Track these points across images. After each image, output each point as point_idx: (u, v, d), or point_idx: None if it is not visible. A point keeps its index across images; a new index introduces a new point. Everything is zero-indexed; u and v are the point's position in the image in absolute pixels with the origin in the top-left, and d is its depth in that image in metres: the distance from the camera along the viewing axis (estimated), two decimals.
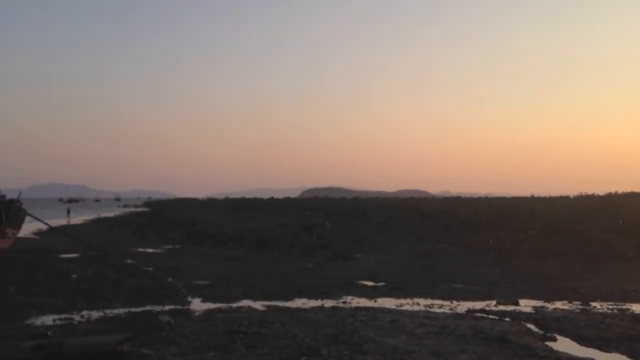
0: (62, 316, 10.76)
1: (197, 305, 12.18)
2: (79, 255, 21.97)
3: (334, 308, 11.76)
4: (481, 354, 8.06)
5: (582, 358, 8.06)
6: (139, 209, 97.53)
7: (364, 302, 12.56)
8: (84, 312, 11.11)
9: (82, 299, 12.49)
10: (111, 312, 11.19)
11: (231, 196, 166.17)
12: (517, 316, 10.94)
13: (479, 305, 12.24)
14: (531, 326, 10.12)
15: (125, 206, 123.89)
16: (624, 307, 11.92)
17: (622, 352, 8.43)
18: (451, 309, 11.82)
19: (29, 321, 10.40)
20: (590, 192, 54.86)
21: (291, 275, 16.77)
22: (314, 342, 8.54)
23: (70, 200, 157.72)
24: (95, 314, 10.96)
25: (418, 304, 12.37)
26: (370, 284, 15.32)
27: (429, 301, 12.70)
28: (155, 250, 24.85)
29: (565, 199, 55.47)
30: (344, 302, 12.53)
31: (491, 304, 12.32)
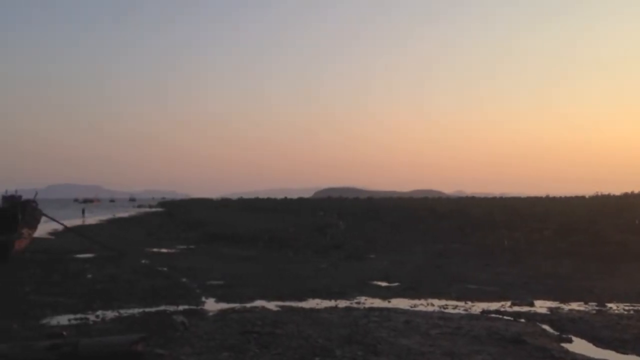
0: (77, 316, 10.83)
1: (211, 305, 12.20)
2: (94, 256, 22.13)
3: (347, 308, 11.73)
4: (496, 355, 8.00)
5: None
6: (153, 209, 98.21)
7: (377, 303, 12.51)
8: (99, 312, 11.18)
9: (97, 299, 12.56)
10: (126, 312, 11.25)
11: (245, 196, 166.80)
12: (532, 317, 10.85)
13: (493, 306, 12.15)
14: (546, 327, 10.02)
15: (139, 206, 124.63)
16: None
17: (638, 354, 8.33)
18: (466, 310, 11.74)
19: (45, 321, 10.49)
20: (605, 192, 54.43)
21: (305, 275, 16.76)
22: (328, 342, 8.52)
23: (85, 201, 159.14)
24: (110, 314, 11.02)
25: (432, 305, 12.30)
26: (384, 284, 15.26)
27: (443, 302, 12.63)
28: (170, 251, 24.96)
29: (580, 199, 55.03)
30: (358, 303, 12.50)
31: (506, 305, 12.22)
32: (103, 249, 23.50)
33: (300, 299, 12.87)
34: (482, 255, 21.62)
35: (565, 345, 8.80)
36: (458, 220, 34.99)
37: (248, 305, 12.09)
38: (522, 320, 10.62)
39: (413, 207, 55.91)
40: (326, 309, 11.63)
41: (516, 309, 11.77)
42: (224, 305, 12.07)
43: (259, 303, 12.35)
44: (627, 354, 8.38)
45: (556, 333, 9.58)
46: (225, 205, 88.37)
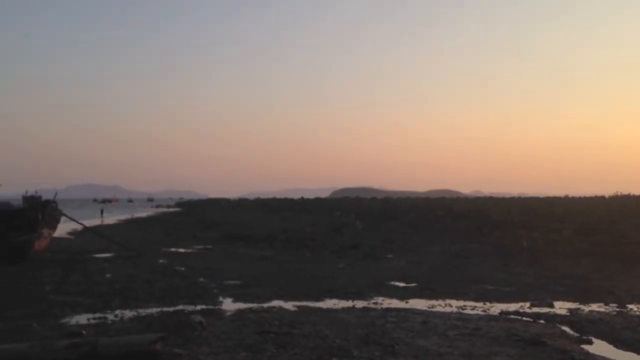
0: (96, 315, 10.93)
1: (229, 305, 12.24)
2: (112, 255, 22.33)
3: (365, 309, 11.70)
4: (515, 356, 7.92)
5: None
6: (171, 209, 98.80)
7: (395, 303, 12.47)
8: (118, 312, 11.27)
9: (116, 299, 12.67)
10: (144, 311, 11.32)
11: (262, 196, 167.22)
12: (552, 318, 10.73)
13: (512, 306, 12.05)
14: (566, 328, 9.91)
15: (157, 206, 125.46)
16: None
17: None
18: (484, 311, 11.65)
19: (64, 320, 10.59)
20: (625, 192, 53.79)
21: (322, 275, 16.75)
22: (345, 342, 8.50)
23: (104, 201, 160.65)
24: (129, 314, 11.10)
25: (450, 305, 12.22)
26: (401, 284, 15.20)
27: (461, 302, 12.54)
28: (187, 250, 25.09)
29: (600, 199, 54.43)
30: (375, 303, 12.45)
31: (525, 306, 12.10)
32: (122, 248, 23.69)
33: (318, 299, 12.86)
34: (500, 255, 21.46)
35: (586, 346, 8.70)
36: (476, 220, 34.79)
37: (265, 305, 12.10)
38: (542, 321, 10.52)
39: (430, 207, 55.67)
40: (343, 309, 11.61)
41: (535, 309, 11.66)
42: (241, 305, 12.10)
43: (276, 303, 12.37)
44: None
45: (576, 334, 9.47)
46: (242, 206, 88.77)
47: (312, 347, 8.25)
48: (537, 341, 8.69)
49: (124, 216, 66.32)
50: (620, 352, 8.51)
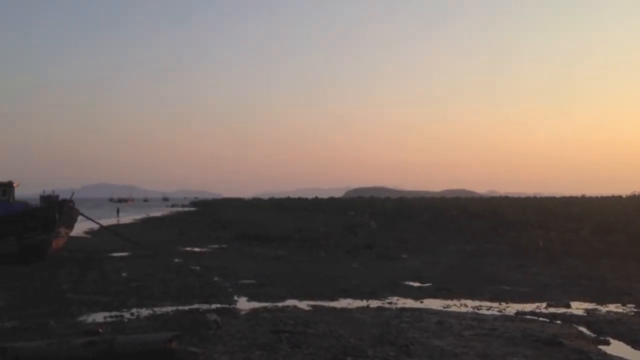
0: (113, 314, 11.02)
1: (243, 304, 12.28)
2: (128, 254, 22.49)
3: (379, 308, 11.68)
4: (531, 357, 7.86)
5: None
6: (186, 209, 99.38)
7: (409, 303, 12.43)
8: (134, 310, 11.35)
9: (132, 297, 12.76)
10: (160, 310, 11.39)
11: (276, 196, 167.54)
12: (569, 319, 10.64)
13: (528, 307, 11.96)
14: (583, 329, 9.82)
15: (172, 206, 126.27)
16: None
17: None
18: (500, 311, 11.58)
19: (81, 318, 10.69)
20: None
21: (336, 275, 16.74)
22: (360, 342, 8.49)
23: (120, 200, 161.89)
24: (145, 312, 11.18)
25: (465, 306, 12.16)
26: (416, 284, 15.15)
27: (476, 302, 12.47)
28: (202, 250, 25.21)
29: (617, 199, 53.87)
30: (390, 303, 12.42)
31: (541, 306, 12.01)
32: (137, 248, 23.85)
33: (332, 299, 12.86)
34: (516, 255, 21.30)
35: (603, 347, 8.61)
36: (491, 220, 34.57)
37: (280, 304, 12.12)
38: (558, 321, 10.43)
39: (445, 207, 55.44)
40: (358, 309, 11.59)
41: (552, 310, 11.56)
42: (255, 304, 12.13)
43: (290, 302, 12.38)
44: None
45: (593, 335, 9.38)
46: (256, 205, 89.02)
47: (326, 346, 8.25)
48: (553, 342, 8.62)
49: (139, 216, 66.78)
50: (638, 352, 8.42)
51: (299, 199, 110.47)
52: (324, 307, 11.90)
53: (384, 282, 15.24)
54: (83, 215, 24.29)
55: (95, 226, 29.04)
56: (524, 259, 20.09)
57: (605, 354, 8.21)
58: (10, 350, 7.04)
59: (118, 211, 73.50)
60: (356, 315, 10.86)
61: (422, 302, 12.57)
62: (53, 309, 11.40)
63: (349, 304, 12.34)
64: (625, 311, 11.42)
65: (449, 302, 12.61)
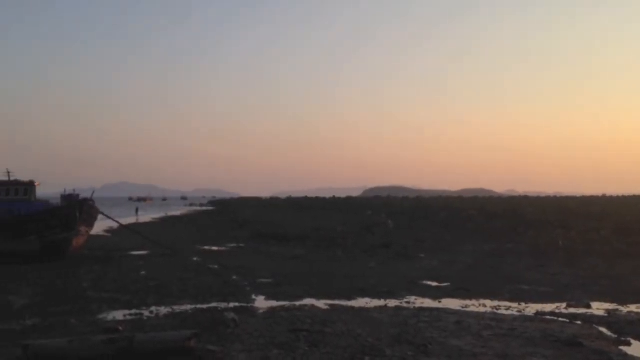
0: (132, 312, 11.13)
1: (261, 303, 12.32)
2: (147, 253, 22.67)
3: (397, 308, 11.65)
4: (551, 357, 7.79)
5: None
6: (204, 208, 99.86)
7: (427, 303, 12.38)
8: (153, 308, 11.45)
9: (151, 296, 12.87)
10: (179, 308, 11.48)
11: (294, 195, 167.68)
12: (589, 319, 10.52)
13: (548, 307, 11.85)
14: (604, 330, 9.70)
15: (191, 205, 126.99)
16: None
17: None
18: (519, 311, 11.49)
19: (101, 316, 10.81)
20: None
21: (353, 274, 16.72)
22: (377, 342, 8.47)
23: (139, 200, 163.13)
24: (164, 310, 11.27)
25: (484, 306, 12.08)
26: (434, 284, 15.09)
27: (495, 302, 12.39)
28: (220, 249, 25.33)
29: (638, 199, 53.11)
30: (408, 302, 12.39)
31: (561, 307, 11.89)
32: (156, 246, 24.03)
33: (349, 298, 12.85)
34: (536, 255, 21.09)
35: (624, 348, 8.51)
36: (510, 219, 34.27)
37: (297, 303, 12.14)
38: (578, 322, 10.32)
39: (463, 206, 55.08)
40: (375, 309, 11.57)
41: (572, 310, 11.44)
42: (273, 303, 12.17)
43: (308, 301, 12.40)
44: None
45: (614, 336, 9.26)
46: (274, 205, 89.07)
47: (344, 345, 8.24)
48: (573, 342, 8.53)
49: (158, 215, 67.24)
50: None
51: (317, 198, 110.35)
52: (341, 306, 11.89)
53: (402, 282, 15.19)
54: (103, 214, 24.53)
55: (115, 225, 29.30)
56: (544, 259, 19.89)
57: (626, 354, 8.11)
58: (31, 348, 7.14)
59: (137, 210, 74.03)
60: (374, 314, 10.84)
61: (440, 302, 12.51)
62: (74, 307, 11.54)
63: (366, 303, 12.33)
64: None
65: (467, 302, 12.54)
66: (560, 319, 10.58)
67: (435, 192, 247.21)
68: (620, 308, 11.73)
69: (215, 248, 25.58)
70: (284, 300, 12.53)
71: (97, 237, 29.37)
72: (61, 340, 7.55)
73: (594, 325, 9.99)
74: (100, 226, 33.38)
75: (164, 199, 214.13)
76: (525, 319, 10.60)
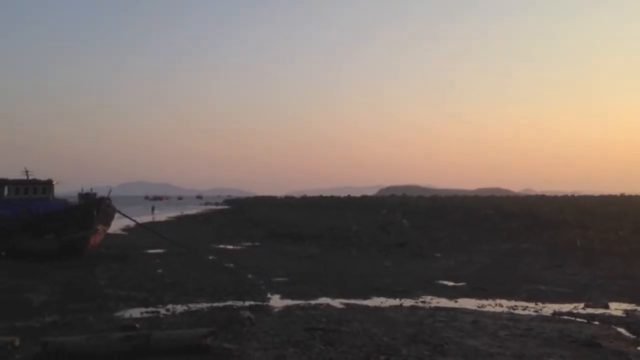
0: (149, 309, 11.21)
1: (276, 301, 12.34)
2: (164, 251, 22.81)
3: (412, 307, 11.61)
4: (568, 358, 7.72)
5: None
6: (219, 207, 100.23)
7: (443, 302, 12.32)
8: (169, 306, 11.53)
9: (167, 293, 12.96)
10: (194, 306, 11.55)
11: (309, 194, 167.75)
12: (607, 319, 10.41)
13: (565, 307, 11.74)
14: (622, 330, 9.60)
15: (206, 204, 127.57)
16: None
17: None
18: (536, 311, 11.40)
19: (118, 313, 10.90)
20: None
21: (368, 273, 16.70)
22: (393, 341, 8.45)
23: (155, 198, 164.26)
24: (180, 308, 11.34)
25: (501, 305, 12.00)
26: (450, 283, 15.02)
27: (512, 302, 12.30)
28: (236, 247, 25.42)
29: None
30: (423, 302, 12.34)
31: (579, 307, 11.78)
32: (172, 245, 24.17)
33: (365, 297, 12.83)
34: (553, 255, 20.91)
35: None
36: (527, 219, 33.99)
37: (312, 302, 12.15)
38: (596, 322, 10.22)
39: (479, 205, 54.72)
40: (391, 308, 11.55)
41: (590, 310, 11.33)
42: (288, 302, 12.19)
43: (323, 300, 12.40)
44: None
45: (633, 336, 9.16)
46: (289, 204, 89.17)
47: (359, 345, 8.24)
48: (591, 343, 8.45)
49: (174, 213, 67.60)
50: None
51: (332, 197, 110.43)
52: (356, 305, 11.88)
53: (417, 281, 15.15)
54: (120, 212, 24.71)
55: (132, 223, 29.51)
56: (561, 259, 19.71)
57: None
58: (51, 345, 7.22)
59: (153, 209, 74.53)
60: (389, 314, 10.82)
61: (456, 302, 12.45)
62: (92, 305, 11.65)
63: (382, 302, 12.30)
64: None
65: (483, 301, 12.46)
66: (578, 319, 10.48)
67: (451, 192, 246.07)
68: (639, 308, 11.59)
69: (230, 247, 25.68)
70: (299, 299, 12.55)
71: (114, 235, 29.61)
72: (79, 337, 7.63)
73: (612, 326, 9.88)
74: (117, 224, 33.62)
75: (180, 198, 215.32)
76: (542, 319, 10.52)
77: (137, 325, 9.27)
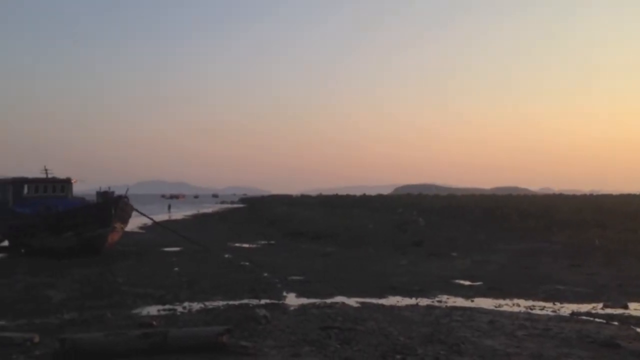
0: (166, 307, 11.29)
1: (292, 300, 12.36)
2: (180, 249, 22.95)
3: (429, 307, 11.56)
4: (587, 359, 7.64)
5: None
6: (235, 206, 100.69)
7: (460, 302, 12.25)
8: (186, 304, 11.59)
9: (184, 291, 13.04)
10: (211, 304, 11.60)
11: (324, 193, 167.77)
12: (626, 320, 10.28)
13: (584, 307, 11.62)
14: None
15: (222, 202, 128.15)
16: None
17: None
18: (554, 311, 11.29)
19: (136, 310, 10.99)
20: None
21: (384, 272, 16.66)
22: (409, 340, 8.42)
23: (171, 197, 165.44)
24: (196, 306, 11.40)
25: (518, 305, 11.90)
26: (466, 283, 14.93)
27: (529, 302, 12.19)
28: (251, 246, 25.51)
29: None
30: (440, 301, 12.29)
31: (597, 307, 11.64)
32: (189, 243, 24.31)
33: (381, 296, 12.80)
34: (572, 255, 20.69)
35: None
36: (545, 218, 33.69)
37: (328, 301, 12.14)
38: (615, 323, 10.09)
39: (496, 204, 54.30)
40: (407, 307, 11.51)
41: (609, 311, 11.19)
42: (304, 300, 12.19)
43: (338, 299, 12.39)
44: None
45: None
46: (304, 202, 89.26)
47: (375, 343, 8.22)
48: (610, 343, 8.36)
49: (190, 212, 68.04)
50: None
51: (347, 196, 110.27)
52: (372, 304, 11.85)
53: (434, 280, 15.08)
54: (137, 210, 24.92)
55: (149, 222, 29.75)
56: (580, 259, 19.51)
57: None
58: (69, 341, 7.29)
59: (169, 207, 75.05)
60: (405, 313, 10.78)
61: (472, 301, 12.37)
62: (109, 302, 11.77)
63: (397, 301, 12.27)
64: None
65: (500, 301, 12.37)
66: (597, 320, 10.36)
67: (468, 190, 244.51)
68: None
69: (246, 245, 25.78)
70: (315, 297, 12.55)
71: (132, 233, 29.88)
72: (97, 334, 7.70)
73: (632, 326, 9.75)
74: (135, 223, 33.93)
75: (196, 197, 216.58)
76: (560, 319, 10.41)
77: (154, 323, 9.34)
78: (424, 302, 12.17)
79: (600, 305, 11.80)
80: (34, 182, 25.26)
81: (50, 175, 26.02)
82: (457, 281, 15.19)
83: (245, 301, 11.94)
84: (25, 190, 24.98)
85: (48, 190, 25.43)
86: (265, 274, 16.12)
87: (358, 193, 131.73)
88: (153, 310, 11.03)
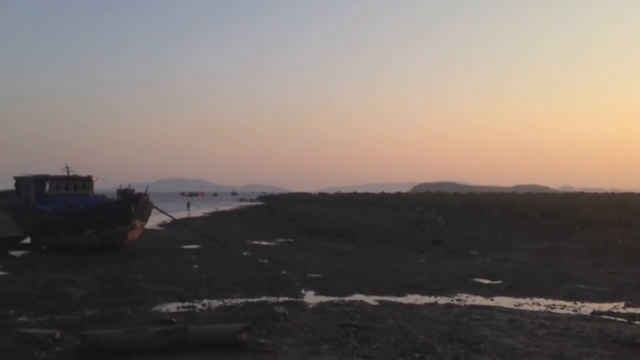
0: (185, 304, 11.37)
1: (311, 297, 12.37)
2: (199, 247, 23.09)
3: (448, 305, 11.50)
4: (608, 358, 7.54)
5: None
6: (253, 203, 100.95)
7: (479, 301, 12.17)
8: (205, 301, 11.67)
9: (203, 288, 13.12)
10: (230, 301, 11.66)
11: (342, 191, 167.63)
12: None
13: (605, 306, 11.47)
14: None
15: (241, 200, 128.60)
16: None
17: None
18: (574, 310, 11.17)
19: (155, 308, 11.08)
20: None
21: (403, 270, 16.61)
22: (428, 339, 8.38)
23: (190, 194, 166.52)
24: (215, 303, 11.47)
25: (538, 304, 11.79)
26: (486, 281, 14.83)
27: (550, 301, 12.07)
28: (270, 243, 25.57)
29: None
30: (459, 300, 12.22)
31: (619, 306, 11.49)
32: (208, 240, 24.45)
33: (399, 295, 12.76)
34: (593, 253, 20.43)
35: None
36: (566, 216, 33.31)
37: (346, 299, 12.14)
38: (637, 322, 9.95)
39: (516, 203, 53.82)
40: (426, 305, 11.46)
41: (630, 310, 11.04)
42: (322, 298, 12.20)
43: (357, 297, 12.38)
44: None
45: None
46: (323, 200, 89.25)
47: (394, 342, 8.19)
48: (632, 343, 8.24)
49: (209, 209, 68.36)
50: None
51: (366, 194, 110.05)
52: (391, 302, 11.82)
53: (453, 279, 15.00)
54: (157, 208, 25.13)
55: (168, 219, 29.96)
56: (601, 258, 19.25)
57: None
58: (90, 338, 7.37)
59: (188, 205, 75.46)
60: (424, 311, 10.73)
61: (492, 300, 12.29)
62: (129, 299, 11.88)
63: (416, 299, 12.22)
64: None
65: (520, 300, 12.27)
66: (618, 319, 10.22)
67: (488, 188, 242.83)
68: None
69: (264, 243, 25.85)
70: (333, 295, 12.55)
71: (151, 230, 30.13)
72: (118, 331, 7.78)
73: None
74: (154, 220, 34.19)
75: (215, 194, 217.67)
76: (581, 318, 10.30)
77: (173, 320, 9.41)
78: (443, 300, 12.12)
79: (622, 304, 11.65)
80: (55, 180, 25.59)
81: (71, 173, 26.33)
82: (476, 280, 15.09)
83: (263, 299, 11.98)
84: (47, 187, 25.31)
85: (69, 188, 25.75)
86: (284, 272, 16.16)
87: (376, 191, 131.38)
88: (172, 307, 11.11)
